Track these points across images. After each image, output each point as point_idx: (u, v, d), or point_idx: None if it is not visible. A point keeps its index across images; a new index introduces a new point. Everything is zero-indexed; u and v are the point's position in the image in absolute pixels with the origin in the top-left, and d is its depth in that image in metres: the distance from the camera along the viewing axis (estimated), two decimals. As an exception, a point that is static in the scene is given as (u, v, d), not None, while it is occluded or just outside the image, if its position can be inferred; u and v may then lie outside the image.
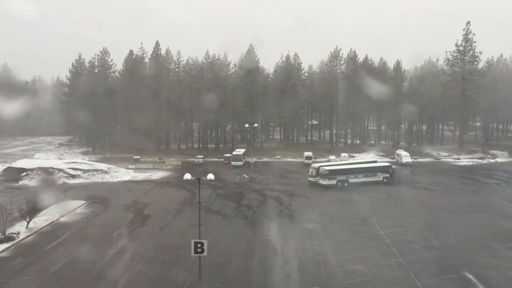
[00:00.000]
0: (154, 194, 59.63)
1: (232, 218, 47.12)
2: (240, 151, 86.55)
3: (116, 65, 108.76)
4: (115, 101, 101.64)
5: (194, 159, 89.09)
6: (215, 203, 53.34)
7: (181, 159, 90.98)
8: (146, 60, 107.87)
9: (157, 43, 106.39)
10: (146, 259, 34.59)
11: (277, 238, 39.92)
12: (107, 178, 71.13)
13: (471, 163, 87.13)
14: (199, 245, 26.76)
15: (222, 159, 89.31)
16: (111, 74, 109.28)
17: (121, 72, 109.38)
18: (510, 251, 35.71)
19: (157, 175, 75.38)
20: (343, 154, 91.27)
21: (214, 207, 51.46)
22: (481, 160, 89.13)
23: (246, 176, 71.84)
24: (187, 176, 30.48)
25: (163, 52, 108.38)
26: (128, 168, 79.80)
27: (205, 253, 26.96)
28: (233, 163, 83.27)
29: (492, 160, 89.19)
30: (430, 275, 30.63)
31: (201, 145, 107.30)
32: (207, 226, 34.59)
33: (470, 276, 30.37)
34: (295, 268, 32.41)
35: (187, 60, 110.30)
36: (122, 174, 74.12)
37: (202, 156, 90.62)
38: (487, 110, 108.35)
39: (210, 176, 30.82)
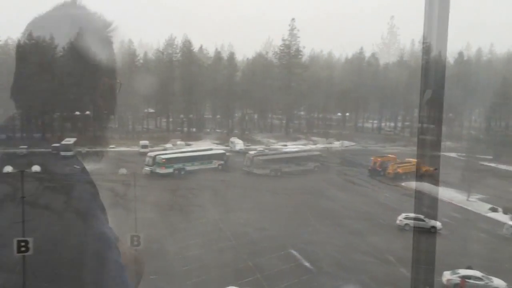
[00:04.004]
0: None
1: (62, 212, 44.08)
2: (70, 141, 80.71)
3: None
4: None
5: (17, 150, 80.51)
6: (42, 197, 49.22)
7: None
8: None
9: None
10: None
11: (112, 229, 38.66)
12: None
13: (296, 149, 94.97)
14: (23, 244, 24.60)
15: (50, 150, 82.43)
16: None
17: None
18: (327, 227, 40.37)
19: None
20: (179, 142, 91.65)
21: (40, 201, 47.45)
22: (304, 146, 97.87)
23: (77, 167, 67.53)
24: (8, 168, 27.68)
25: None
26: None
27: (30, 252, 24.93)
28: (62, 153, 77.48)
29: (313, 146, 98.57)
30: (261, 255, 33.06)
31: (24, 134, 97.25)
32: (32, 222, 31.85)
33: (295, 253, 33.59)
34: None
35: (6, 41, 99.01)
36: None
37: (26, 147, 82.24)
38: (309, 100, 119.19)
39: (36, 168, 28.38)
